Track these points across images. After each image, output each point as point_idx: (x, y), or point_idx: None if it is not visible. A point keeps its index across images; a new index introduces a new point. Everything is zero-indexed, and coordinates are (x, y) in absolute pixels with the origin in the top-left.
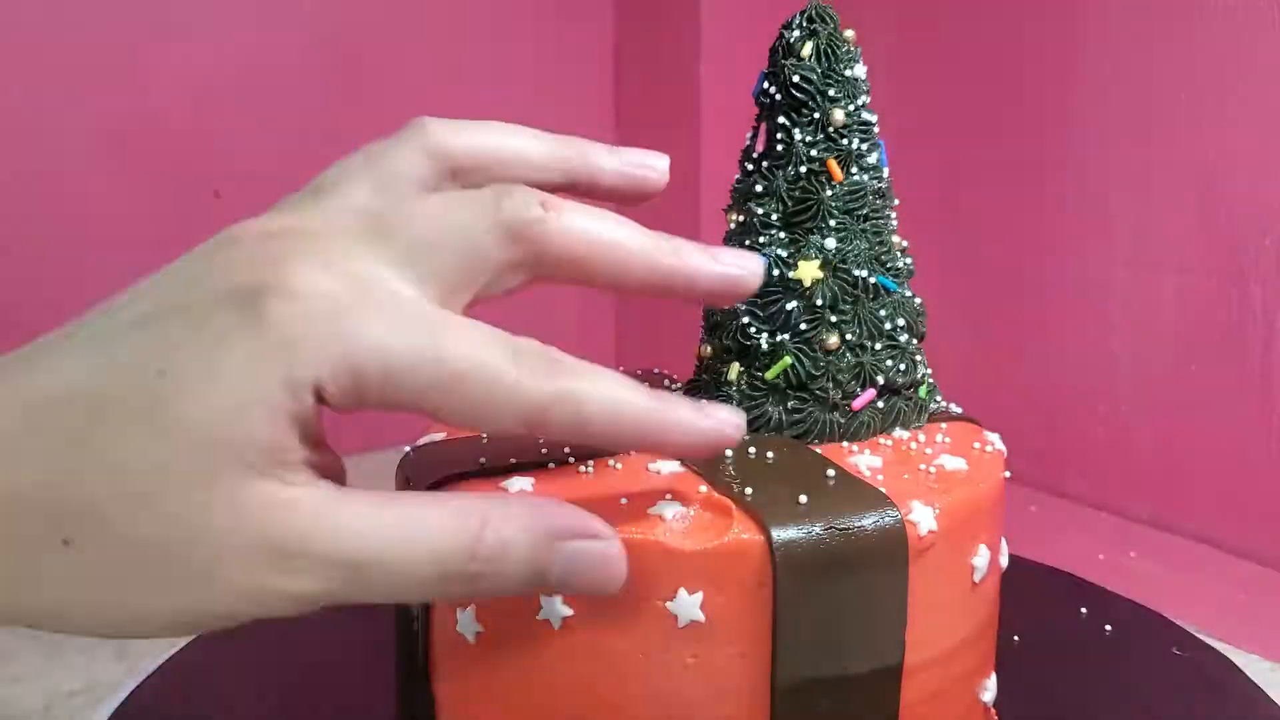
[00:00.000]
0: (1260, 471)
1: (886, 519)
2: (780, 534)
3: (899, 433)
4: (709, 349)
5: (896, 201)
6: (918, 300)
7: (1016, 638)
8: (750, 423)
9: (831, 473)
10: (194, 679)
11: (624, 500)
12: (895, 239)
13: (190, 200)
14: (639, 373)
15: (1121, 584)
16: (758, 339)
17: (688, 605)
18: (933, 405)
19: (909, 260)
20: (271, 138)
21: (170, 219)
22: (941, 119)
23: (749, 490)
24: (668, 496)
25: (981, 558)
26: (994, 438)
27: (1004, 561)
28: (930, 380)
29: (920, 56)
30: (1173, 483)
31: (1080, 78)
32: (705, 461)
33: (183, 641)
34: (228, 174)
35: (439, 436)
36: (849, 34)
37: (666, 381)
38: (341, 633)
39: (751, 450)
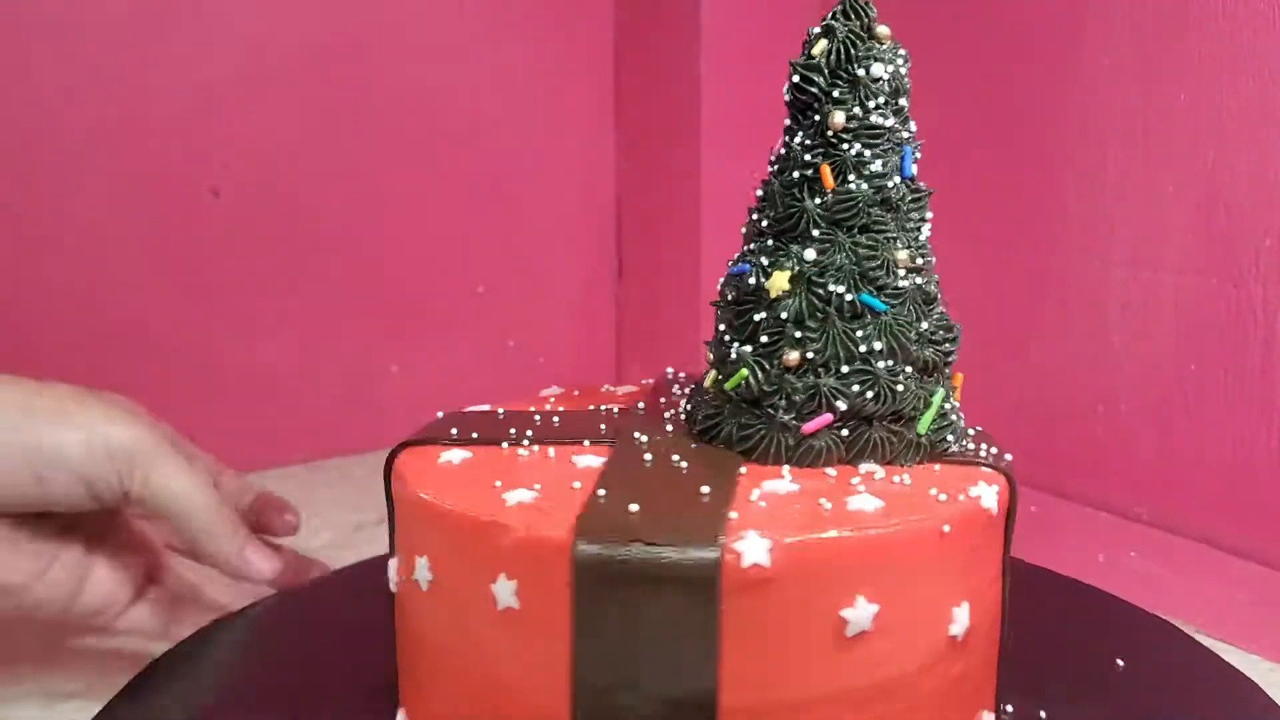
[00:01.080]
0: (1260, 471)
1: (703, 545)
2: (584, 540)
3: (870, 467)
4: (709, 355)
5: (927, 215)
6: (927, 326)
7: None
8: (703, 432)
9: (706, 489)
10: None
11: (499, 483)
12: (903, 255)
13: (189, 200)
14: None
15: (1121, 584)
16: (729, 348)
17: (505, 591)
18: (949, 442)
19: (921, 280)
20: (271, 137)
21: (169, 219)
22: (941, 119)
23: (602, 491)
24: (536, 485)
25: (860, 611)
26: (987, 491)
27: (956, 630)
28: (947, 416)
29: (920, 56)
30: (1173, 483)
31: (1080, 78)
32: (627, 458)
33: (184, 636)
34: (227, 173)
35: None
36: (881, 30)
37: (676, 387)
38: (341, 634)
39: (675, 456)
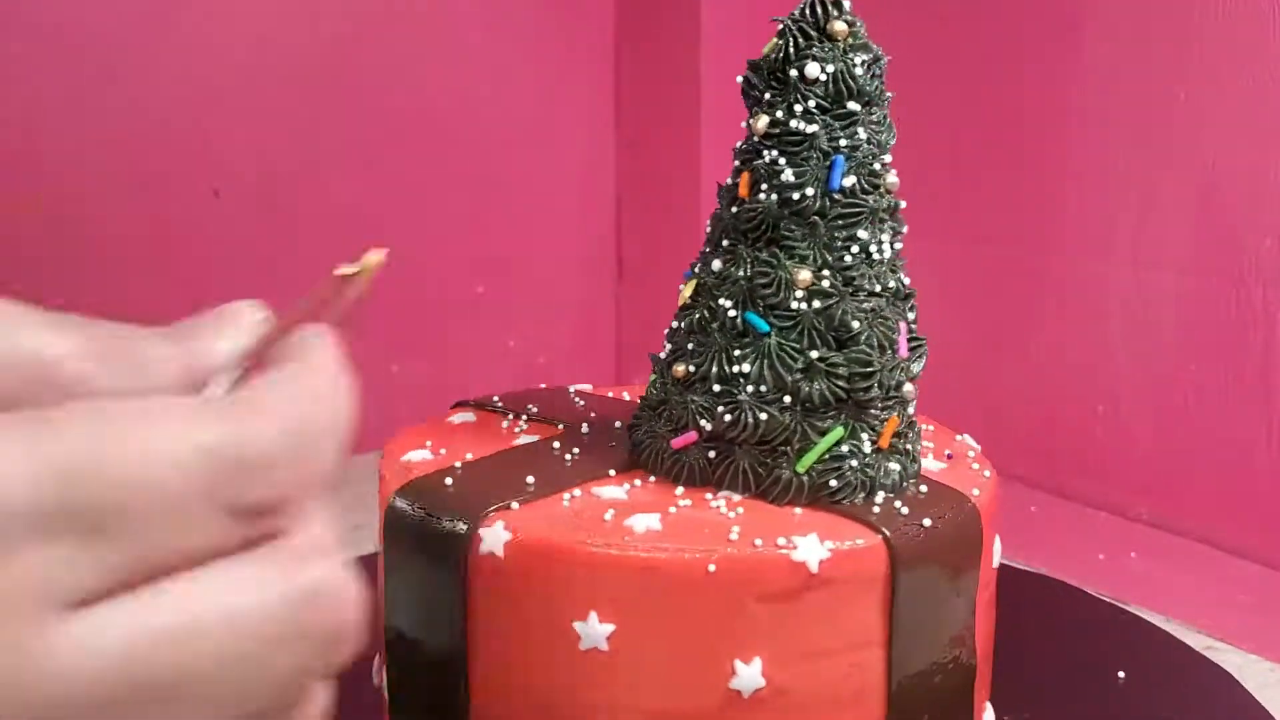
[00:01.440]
0: (1260, 472)
1: (456, 520)
2: (397, 498)
3: (728, 494)
4: None
5: (860, 233)
6: (827, 357)
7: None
8: (630, 432)
9: (531, 480)
10: None
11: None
12: (804, 275)
13: (190, 199)
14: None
15: (1122, 584)
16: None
17: (592, 629)
18: (833, 487)
19: (830, 303)
20: (271, 137)
21: (170, 218)
22: (942, 119)
23: (468, 456)
24: (440, 450)
25: (592, 628)
26: (814, 547)
27: (739, 686)
28: (845, 459)
29: (920, 56)
30: (1173, 483)
31: (1080, 78)
32: (552, 443)
33: None
34: (227, 173)
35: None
36: (836, 27)
37: None
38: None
39: (578, 450)
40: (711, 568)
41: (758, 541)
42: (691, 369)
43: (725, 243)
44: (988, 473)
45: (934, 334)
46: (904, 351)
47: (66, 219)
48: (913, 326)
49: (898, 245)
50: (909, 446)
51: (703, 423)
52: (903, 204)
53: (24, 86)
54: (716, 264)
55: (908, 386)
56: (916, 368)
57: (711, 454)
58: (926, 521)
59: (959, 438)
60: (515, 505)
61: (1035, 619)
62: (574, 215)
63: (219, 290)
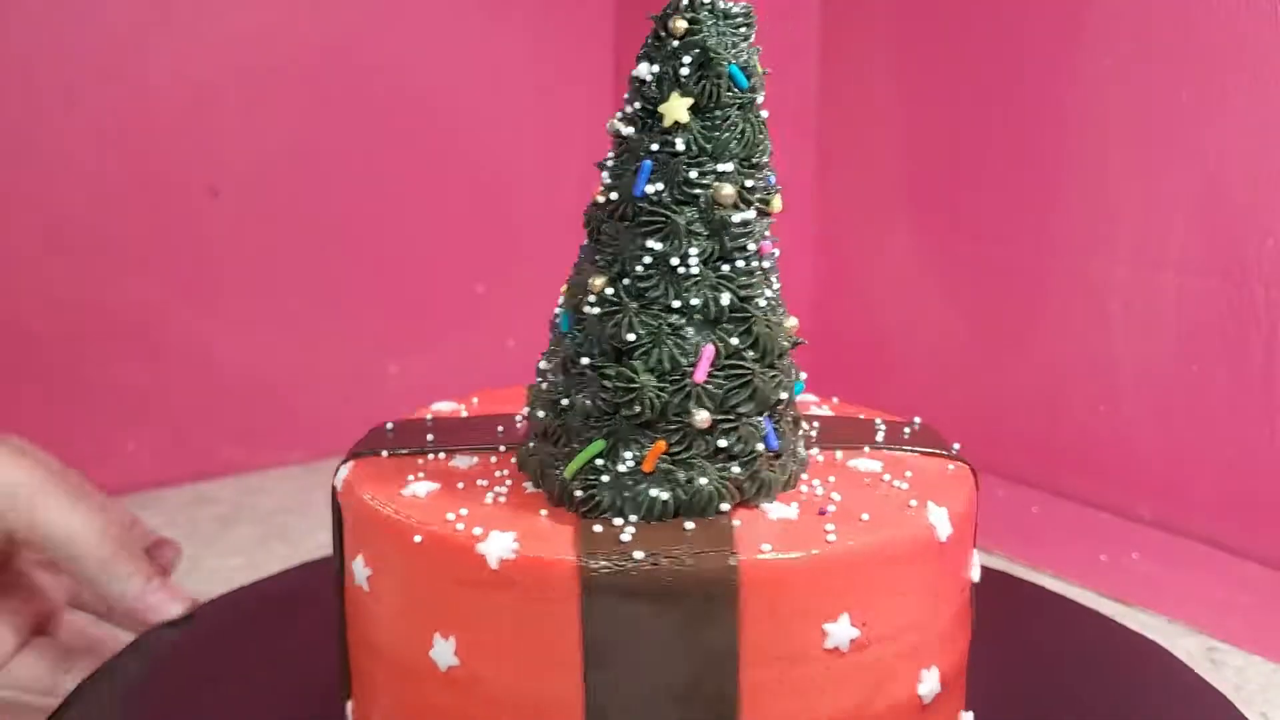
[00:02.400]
0: (1262, 472)
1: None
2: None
3: (526, 486)
4: None
5: (653, 245)
6: (594, 368)
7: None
8: None
9: (411, 476)
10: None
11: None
12: (598, 281)
13: (187, 198)
14: None
15: (1124, 585)
16: None
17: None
18: (589, 499)
19: (607, 311)
20: (269, 136)
21: (167, 217)
22: (943, 119)
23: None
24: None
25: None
26: (493, 537)
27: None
28: (600, 473)
29: (921, 55)
30: (1174, 483)
31: (1081, 77)
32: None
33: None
34: (225, 172)
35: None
36: (676, 25)
37: None
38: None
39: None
40: (418, 538)
41: (477, 530)
42: (541, 364)
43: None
44: (830, 539)
45: (934, 333)
46: (699, 376)
47: (64, 218)
48: (745, 354)
49: (740, 263)
50: (693, 476)
51: (524, 413)
52: (738, 217)
53: (23, 86)
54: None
55: (701, 414)
56: (739, 397)
57: (531, 444)
58: (639, 555)
59: (953, 461)
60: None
61: (1020, 625)
62: (574, 215)
63: (218, 290)
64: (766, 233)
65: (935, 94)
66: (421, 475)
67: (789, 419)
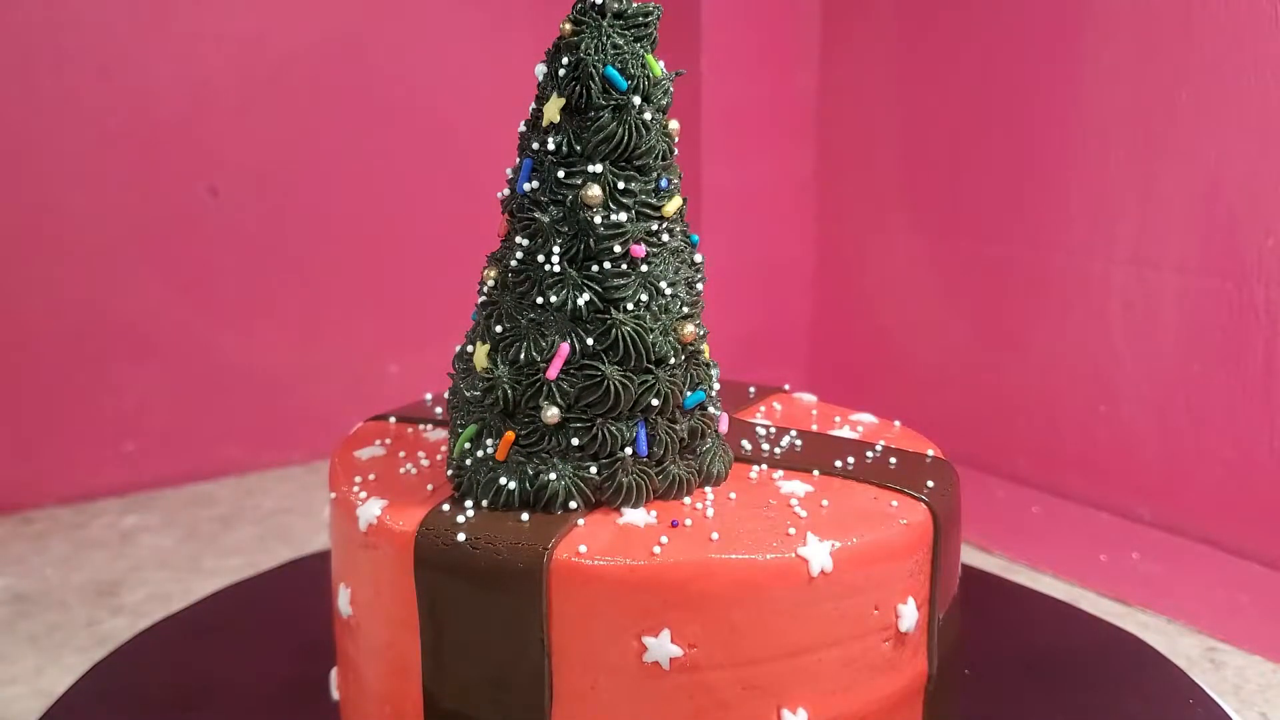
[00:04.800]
0: (1262, 472)
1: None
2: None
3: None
4: None
5: (522, 241)
6: (473, 356)
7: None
8: None
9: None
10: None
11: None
12: (491, 273)
13: (186, 198)
14: None
15: (1124, 585)
16: None
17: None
18: (461, 482)
19: (487, 301)
20: (268, 136)
21: (166, 217)
22: (943, 118)
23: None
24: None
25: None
26: (369, 507)
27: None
28: (468, 455)
29: (921, 55)
30: (1175, 483)
31: (1081, 78)
32: None
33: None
34: (223, 171)
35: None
36: (563, 26)
37: None
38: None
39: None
40: (332, 495)
41: (363, 495)
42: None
43: None
44: (655, 550)
45: (935, 333)
46: (552, 373)
47: (64, 218)
48: (604, 357)
49: (607, 265)
50: (541, 471)
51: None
52: (606, 218)
53: (23, 86)
54: None
55: (550, 411)
56: (591, 397)
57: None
58: (461, 537)
59: (937, 473)
60: None
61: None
62: None
63: (218, 289)
64: (678, 234)
65: (935, 94)
66: (388, 441)
67: (684, 426)
